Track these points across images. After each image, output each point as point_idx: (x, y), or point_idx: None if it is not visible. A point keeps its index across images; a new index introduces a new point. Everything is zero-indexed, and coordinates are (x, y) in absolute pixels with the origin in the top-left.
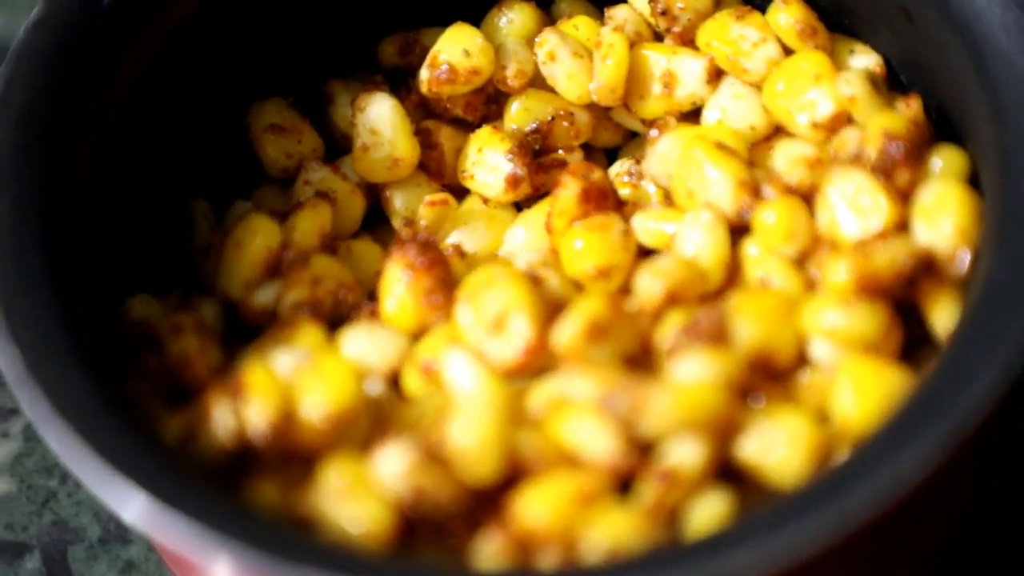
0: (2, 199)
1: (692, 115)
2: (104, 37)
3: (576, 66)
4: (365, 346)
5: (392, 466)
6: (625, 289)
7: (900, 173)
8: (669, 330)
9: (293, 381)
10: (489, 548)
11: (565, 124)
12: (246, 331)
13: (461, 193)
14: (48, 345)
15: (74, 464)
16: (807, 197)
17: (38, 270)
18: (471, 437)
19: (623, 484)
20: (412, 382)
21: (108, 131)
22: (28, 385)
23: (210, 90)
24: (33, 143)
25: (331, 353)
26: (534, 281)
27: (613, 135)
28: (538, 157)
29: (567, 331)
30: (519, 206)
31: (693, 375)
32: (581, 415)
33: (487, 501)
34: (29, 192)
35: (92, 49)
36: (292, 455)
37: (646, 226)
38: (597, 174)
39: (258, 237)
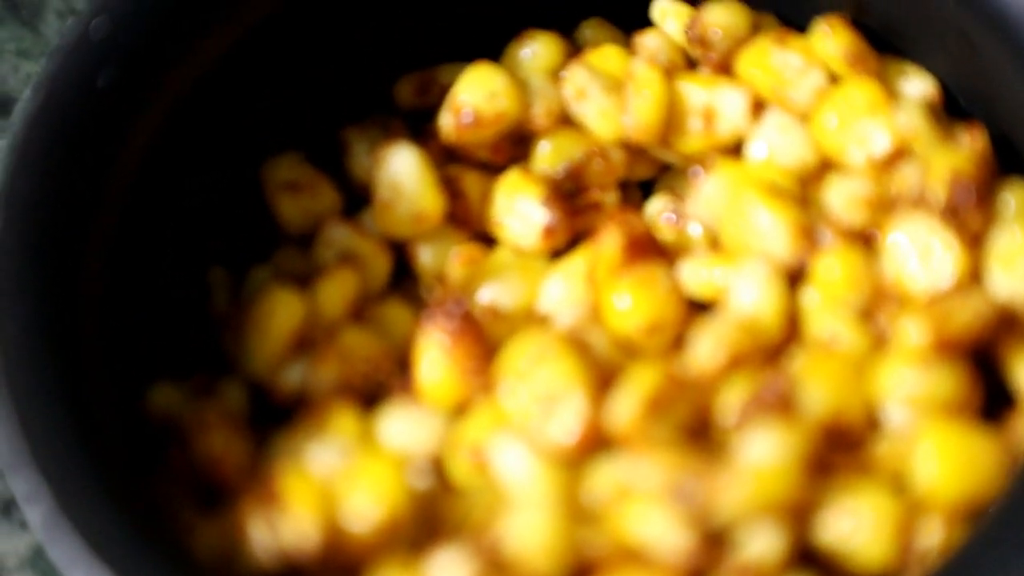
0: (12, 311)
1: (735, 148)
2: (103, 119)
3: (608, 103)
4: (404, 430)
5: None
6: (675, 343)
7: (971, 217)
8: (732, 400)
9: (333, 483)
10: None
11: (599, 163)
12: (274, 409)
13: (489, 237)
14: (73, 475)
15: None
16: (866, 239)
17: (55, 384)
18: (532, 541)
19: None
20: (459, 469)
21: (117, 213)
22: (58, 525)
23: (220, 151)
24: (39, 244)
25: (371, 447)
26: (581, 348)
27: (648, 168)
28: (571, 198)
29: (624, 409)
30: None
31: (765, 454)
32: (647, 506)
33: None
34: (39, 299)
35: (92, 135)
36: (338, 566)
37: (695, 277)
38: (639, 221)
39: (281, 313)
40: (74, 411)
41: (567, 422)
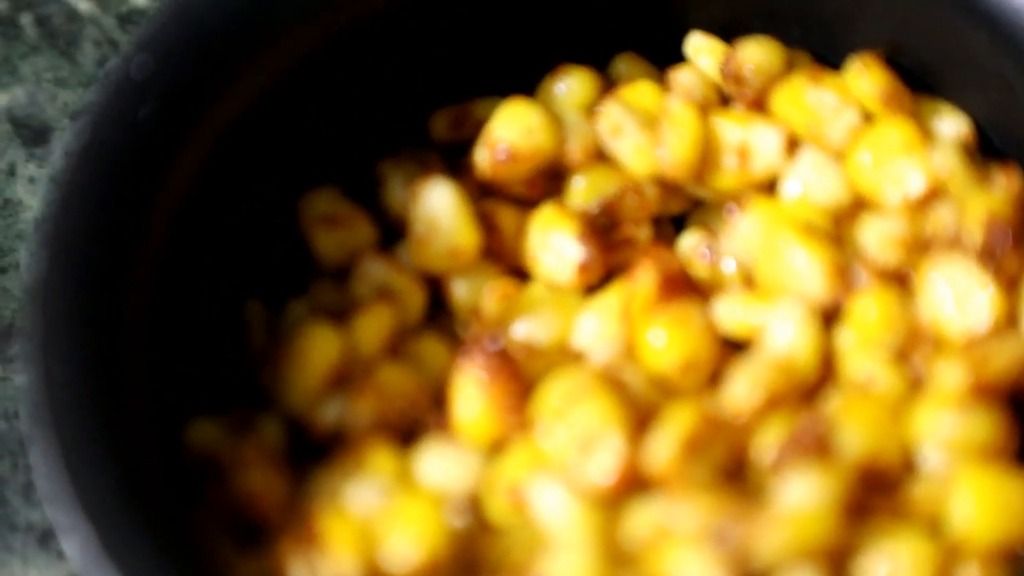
0: (56, 348)
1: (769, 186)
2: (145, 156)
3: (642, 139)
4: (442, 469)
5: None
6: (710, 381)
7: (1007, 259)
8: (769, 441)
9: (372, 523)
10: None
11: (633, 199)
12: (312, 444)
13: (524, 271)
14: (112, 508)
15: None
16: (901, 279)
17: (97, 419)
18: None
19: None
20: (497, 509)
21: (158, 248)
22: (96, 558)
23: (258, 185)
24: (82, 282)
25: (409, 485)
26: (617, 386)
27: (681, 203)
28: (605, 234)
29: (662, 450)
30: None
31: (803, 498)
32: (686, 551)
33: None
34: (83, 336)
35: (134, 171)
36: None
37: (730, 315)
38: (674, 258)
39: (318, 349)
40: (115, 445)
41: (605, 463)
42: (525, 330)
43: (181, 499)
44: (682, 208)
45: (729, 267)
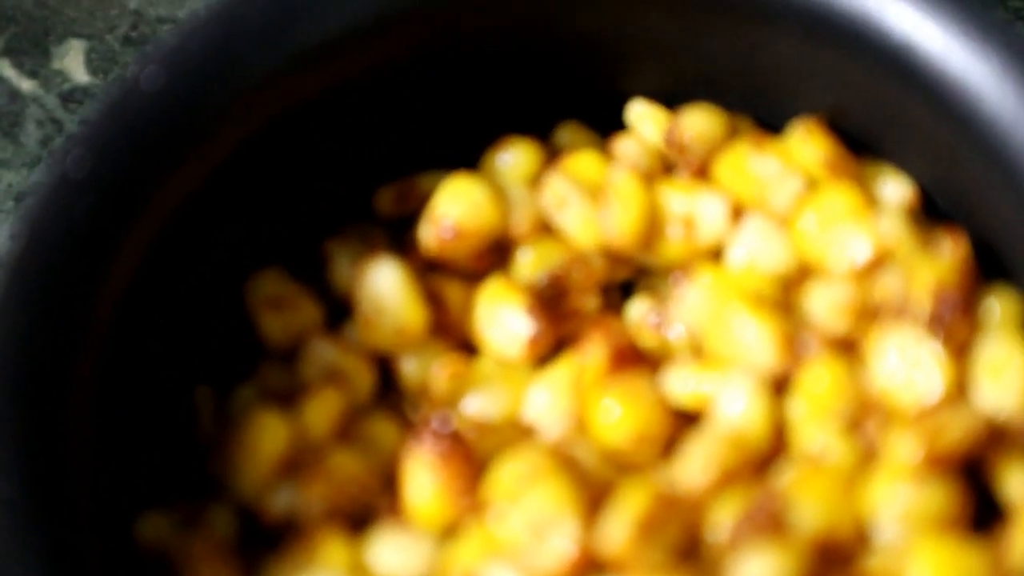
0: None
1: (715, 252)
2: (84, 254)
3: (588, 211)
4: (394, 556)
5: None
6: (663, 452)
7: (956, 327)
8: (724, 519)
9: None
10: None
11: (579, 270)
12: (264, 533)
13: (472, 345)
14: None
15: None
16: (850, 347)
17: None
18: None
19: None
20: None
21: (102, 343)
22: None
23: (203, 272)
24: (24, 389)
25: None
26: (570, 466)
27: (628, 270)
28: (553, 305)
29: (616, 533)
30: None
31: None
32: None
33: None
34: (27, 446)
35: (74, 271)
36: None
37: (680, 386)
38: (622, 330)
39: (266, 437)
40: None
41: (559, 547)
42: (475, 406)
43: None
44: (629, 275)
45: (678, 335)
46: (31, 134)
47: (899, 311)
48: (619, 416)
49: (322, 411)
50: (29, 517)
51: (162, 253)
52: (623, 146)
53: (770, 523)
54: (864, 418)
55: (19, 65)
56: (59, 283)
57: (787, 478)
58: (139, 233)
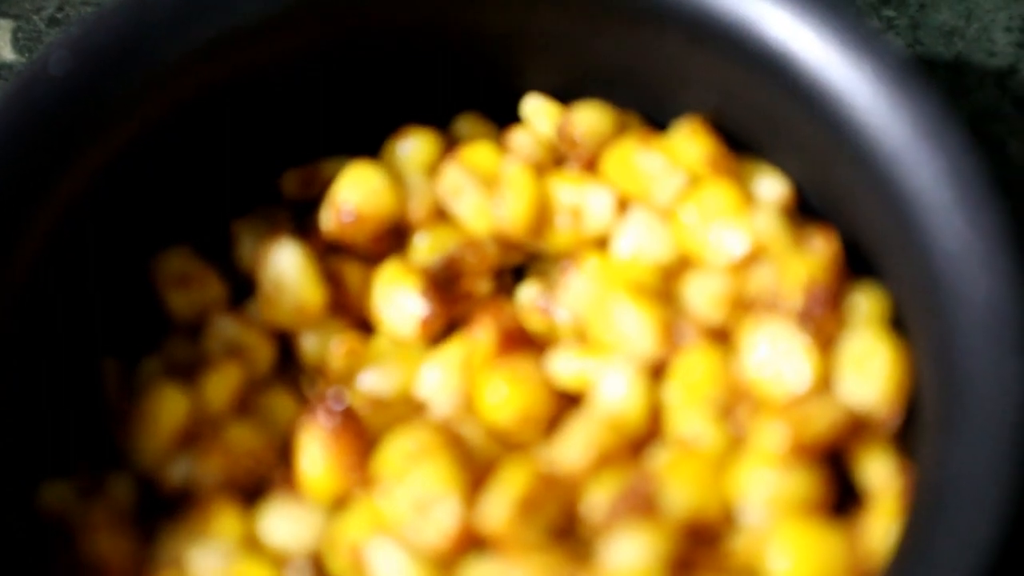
0: None
1: (601, 241)
2: None
3: (481, 199)
4: (285, 527)
5: None
6: (547, 431)
7: (824, 321)
8: (598, 500)
9: None
10: None
11: (472, 255)
12: (163, 501)
13: (369, 324)
14: None
15: None
16: (723, 336)
17: None
18: None
19: None
20: (337, 565)
21: (6, 310)
22: None
23: (110, 247)
24: None
25: (252, 549)
26: (455, 442)
27: (519, 256)
28: (447, 288)
29: (496, 511)
30: None
31: (630, 558)
32: None
33: None
34: None
35: None
36: None
37: (564, 368)
38: (511, 314)
39: (167, 409)
40: None
41: (441, 524)
42: (370, 382)
43: (34, 564)
44: (521, 260)
45: (563, 319)
46: None
47: (771, 304)
48: (505, 396)
49: (222, 384)
50: None
51: (67, 231)
52: (517, 138)
53: (643, 504)
54: (735, 405)
55: None
56: None
57: (661, 461)
58: (44, 211)
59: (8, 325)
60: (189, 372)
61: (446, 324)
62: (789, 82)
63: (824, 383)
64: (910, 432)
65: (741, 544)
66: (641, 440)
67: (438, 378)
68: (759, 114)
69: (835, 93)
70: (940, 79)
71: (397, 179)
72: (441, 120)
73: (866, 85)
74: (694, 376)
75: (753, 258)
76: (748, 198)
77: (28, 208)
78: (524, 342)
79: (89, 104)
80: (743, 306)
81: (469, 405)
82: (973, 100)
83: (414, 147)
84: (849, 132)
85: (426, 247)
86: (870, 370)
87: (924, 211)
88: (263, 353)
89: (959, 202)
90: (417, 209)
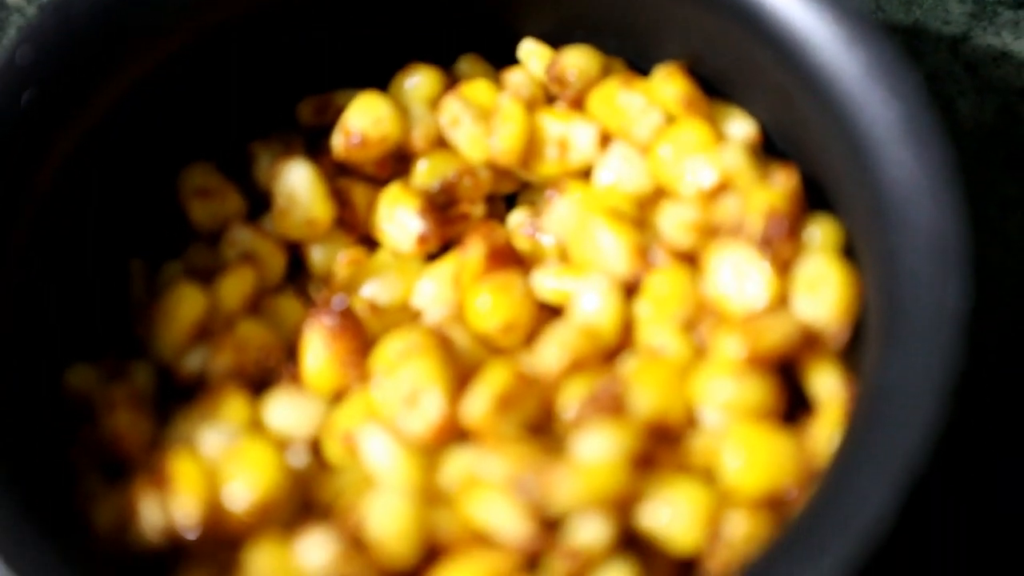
0: None
1: (584, 173)
2: (27, 132)
3: (477, 130)
4: (287, 415)
5: (316, 557)
6: (527, 340)
7: (783, 247)
8: (571, 400)
9: (219, 464)
10: None
11: (468, 181)
12: (179, 390)
13: (373, 241)
14: None
15: None
16: (691, 259)
17: None
18: (390, 527)
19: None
20: (332, 450)
21: (40, 214)
22: None
23: (139, 160)
24: None
25: (257, 432)
26: (444, 344)
27: (511, 184)
28: (444, 210)
29: (477, 405)
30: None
31: (597, 452)
32: (492, 496)
33: None
34: None
35: (16, 145)
36: (219, 541)
37: (546, 284)
38: (501, 234)
39: (185, 305)
40: None
41: (427, 415)
42: (371, 291)
43: (56, 437)
44: (512, 188)
45: (548, 242)
46: (12, 39)
47: (735, 231)
48: (491, 305)
49: (237, 287)
50: None
51: (101, 141)
52: (512, 77)
53: (612, 404)
54: (699, 320)
55: None
56: (1, 158)
57: (630, 367)
58: (79, 121)
59: (45, 225)
60: (208, 276)
61: (442, 242)
62: (760, 32)
63: (780, 302)
64: (856, 350)
65: (699, 444)
66: (613, 349)
67: (432, 289)
68: (731, 61)
69: (800, 42)
70: (898, 42)
71: (402, 109)
72: (444, 60)
73: (828, 34)
74: (663, 293)
75: (720, 190)
76: (718, 136)
77: (62, 115)
78: (511, 260)
79: (121, 27)
80: (710, 232)
81: (459, 314)
82: (927, 63)
83: (419, 82)
84: (812, 77)
85: (426, 172)
86: (822, 292)
87: (876, 147)
88: (275, 261)
89: (908, 138)
90: (419, 137)
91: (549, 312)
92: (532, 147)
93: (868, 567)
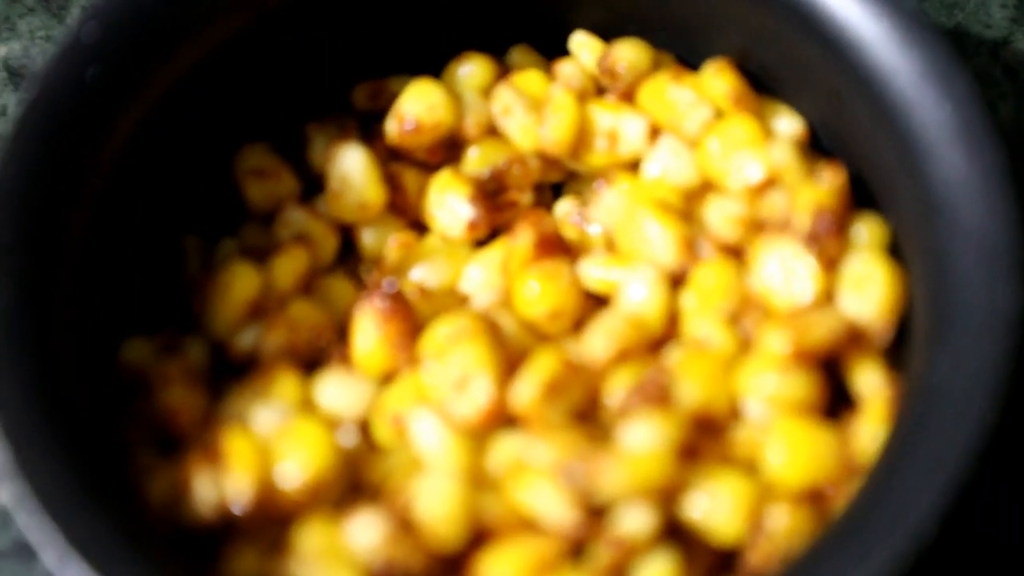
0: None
1: (633, 165)
2: (90, 110)
3: (528, 119)
4: (338, 395)
5: (365, 537)
6: (573, 329)
7: (830, 243)
8: (618, 388)
9: (271, 442)
10: None
11: (518, 169)
12: (232, 366)
13: (423, 225)
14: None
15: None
16: (738, 253)
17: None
18: (438, 510)
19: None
20: (381, 432)
21: (101, 192)
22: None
23: (197, 140)
24: (27, 219)
25: (308, 411)
26: (492, 329)
27: (560, 173)
28: (493, 197)
29: (525, 392)
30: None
31: (643, 441)
32: (539, 482)
33: (452, 564)
34: (28, 267)
35: (79, 122)
36: (270, 518)
37: (593, 273)
38: (549, 223)
39: (240, 283)
40: (39, 360)
41: (475, 400)
42: (420, 275)
43: (111, 410)
44: (560, 178)
45: (595, 232)
46: (75, 16)
47: (782, 226)
48: (539, 293)
49: (290, 267)
50: (22, 327)
51: (161, 120)
52: (563, 68)
53: (658, 394)
54: (744, 313)
55: None
56: (64, 130)
57: (675, 359)
58: (141, 98)
59: (105, 200)
60: (262, 255)
61: (491, 229)
62: (812, 30)
63: (826, 298)
64: (901, 349)
65: (743, 437)
66: (659, 339)
67: (480, 275)
68: (781, 57)
69: (852, 39)
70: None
71: (455, 97)
72: (498, 50)
73: (881, 33)
74: (709, 286)
75: (768, 185)
76: (767, 132)
77: (128, 97)
78: (559, 248)
79: (184, 8)
80: (756, 227)
81: (507, 300)
82: (969, 66)
83: (472, 70)
84: (864, 76)
85: (477, 159)
86: (868, 289)
87: (927, 147)
88: (328, 242)
89: (960, 140)
90: (471, 125)
91: (594, 302)
92: (582, 138)
93: (916, 568)
